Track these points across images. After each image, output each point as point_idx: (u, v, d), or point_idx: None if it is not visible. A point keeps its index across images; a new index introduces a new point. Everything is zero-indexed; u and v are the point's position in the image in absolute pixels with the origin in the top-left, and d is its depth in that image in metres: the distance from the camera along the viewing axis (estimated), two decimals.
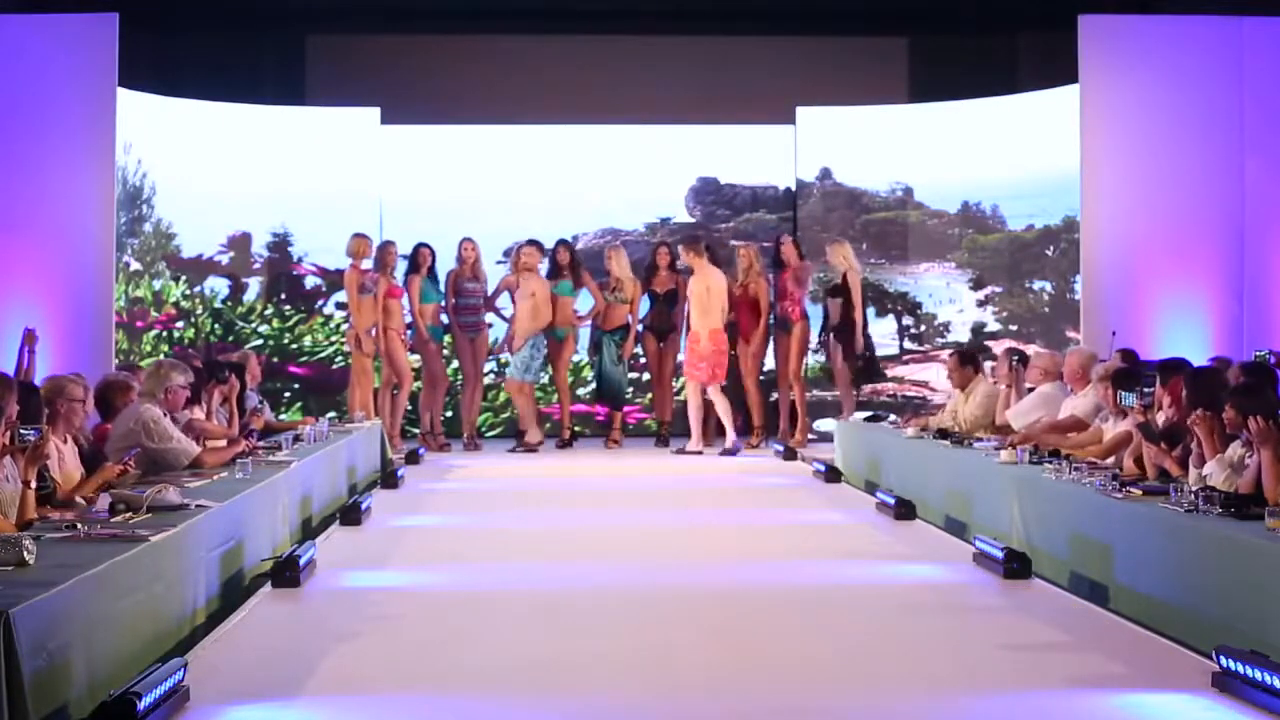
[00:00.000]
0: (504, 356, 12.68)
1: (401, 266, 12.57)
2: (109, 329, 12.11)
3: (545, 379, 12.82)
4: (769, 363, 13.16)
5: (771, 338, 12.72)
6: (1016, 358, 9.34)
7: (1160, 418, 6.82)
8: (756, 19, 14.11)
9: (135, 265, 13.11)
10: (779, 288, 12.68)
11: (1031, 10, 13.47)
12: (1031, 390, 8.94)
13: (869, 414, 11.26)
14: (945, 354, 12.48)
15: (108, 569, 4.45)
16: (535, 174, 14.03)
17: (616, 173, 14.11)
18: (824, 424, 12.75)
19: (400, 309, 12.35)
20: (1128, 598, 5.78)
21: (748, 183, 14.29)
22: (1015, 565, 6.42)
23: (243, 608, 5.83)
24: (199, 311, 13.57)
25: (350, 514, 8.18)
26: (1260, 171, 12.15)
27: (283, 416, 12.14)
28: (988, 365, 10.34)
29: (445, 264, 12.60)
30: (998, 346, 12.21)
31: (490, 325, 12.77)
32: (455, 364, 12.95)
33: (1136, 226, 12.29)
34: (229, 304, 13.67)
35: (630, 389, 13.29)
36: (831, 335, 12.37)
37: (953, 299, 13.81)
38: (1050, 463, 7.11)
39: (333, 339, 13.72)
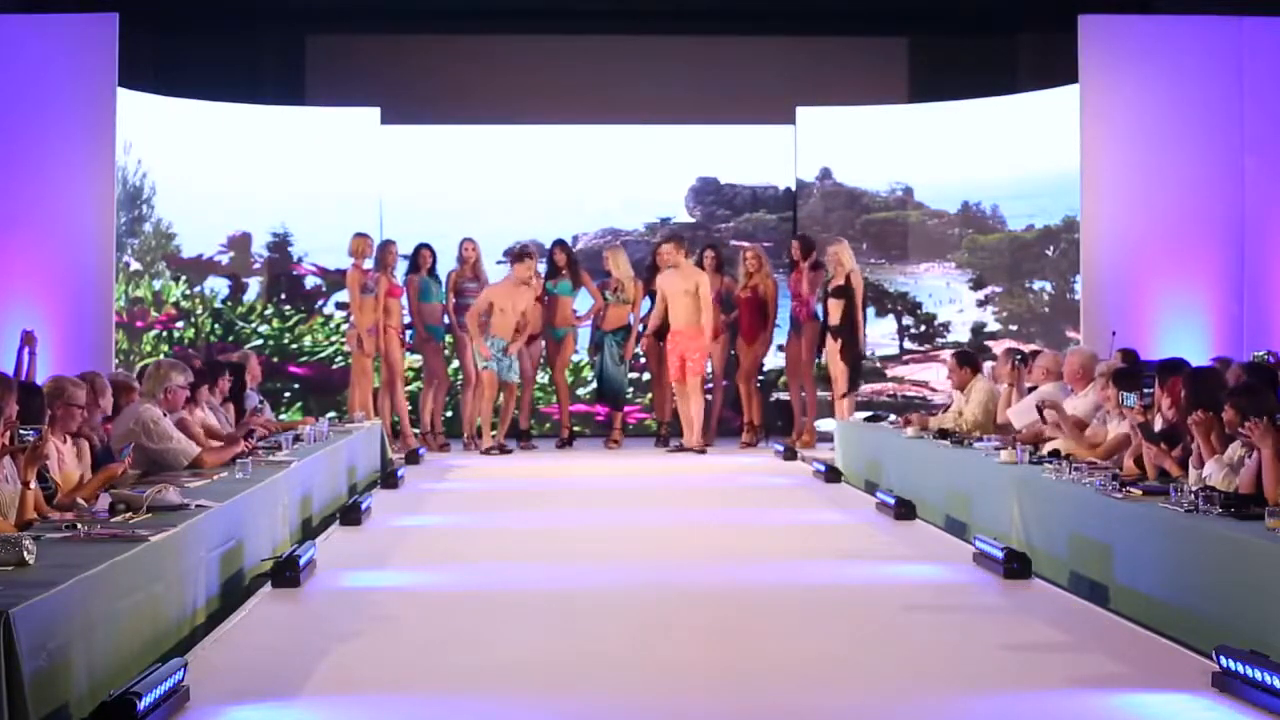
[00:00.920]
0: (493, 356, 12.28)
1: (402, 266, 12.57)
2: (109, 329, 12.12)
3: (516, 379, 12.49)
4: (769, 363, 13.18)
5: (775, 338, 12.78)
6: (1019, 357, 9.33)
7: (1159, 420, 6.82)
8: (756, 19, 14.11)
9: (135, 265, 13.12)
10: (790, 289, 12.69)
11: (1031, 10, 13.48)
12: (1033, 389, 8.93)
13: (869, 414, 11.26)
14: (945, 354, 12.49)
15: (108, 569, 4.45)
16: (535, 174, 14.04)
17: (616, 173, 14.12)
18: (824, 424, 12.75)
19: (400, 308, 12.35)
20: (1128, 598, 5.78)
21: (748, 183, 14.30)
22: (1015, 565, 6.42)
23: (243, 608, 5.82)
24: (199, 311, 13.57)
25: (350, 514, 8.17)
26: (1260, 171, 12.15)
27: (283, 416, 12.15)
28: (987, 366, 10.33)
29: (445, 264, 12.60)
30: (998, 346, 12.21)
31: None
32: (455, 364, 12.95)
33: (1136, 226, 12.29)
34: (229, 304, 13.68)
35: (630, 389, 13.29)
36: (830, 335, 12.35)
37: (953, 299, 13.81)
38: (1050, 463, 7.11)
39: (333, 339, 13.73)
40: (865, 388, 12.92)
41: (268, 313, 13.75)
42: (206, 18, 13.55)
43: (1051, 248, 13.28)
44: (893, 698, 4.66)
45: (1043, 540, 6.77)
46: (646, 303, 12.74)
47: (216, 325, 13.60)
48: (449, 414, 13.12)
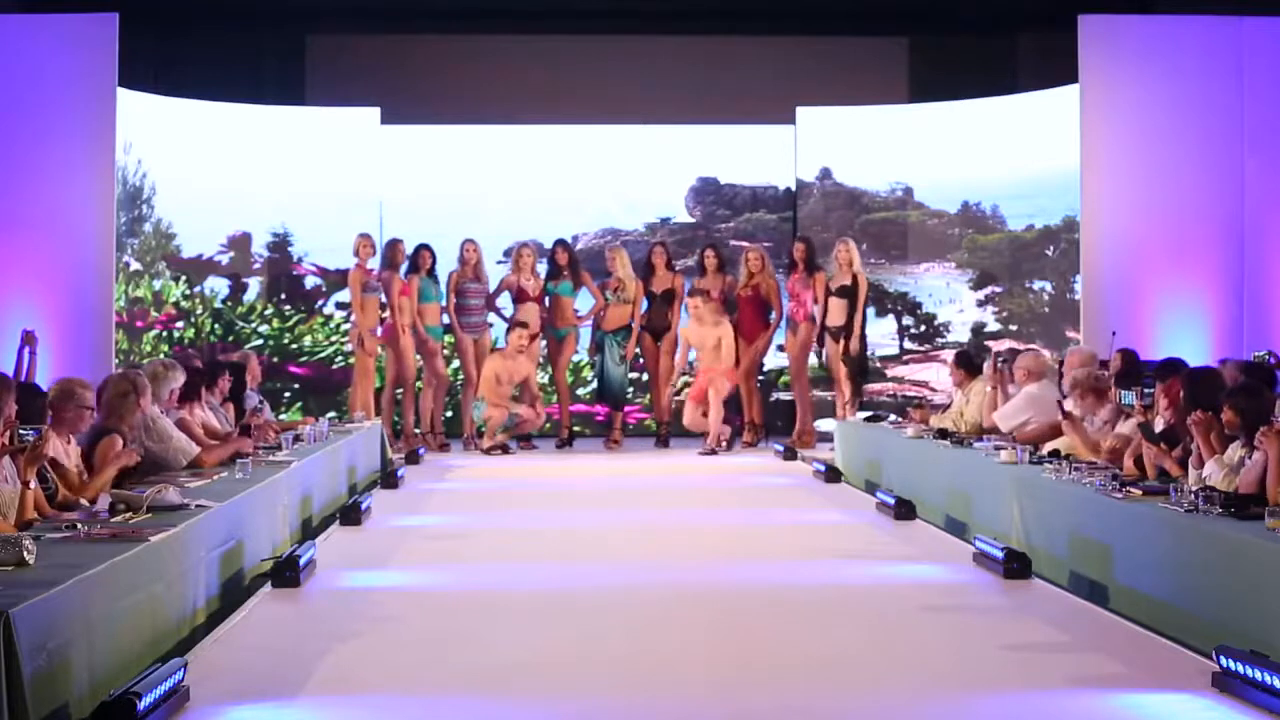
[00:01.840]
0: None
1: (403, 267, 12.57)
2: (109, 329, 12.12)
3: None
4: (769, 363, 13.17)
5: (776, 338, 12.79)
6: (1001, 359, 9.32)
7: (1159, 422, 6.82)
8: (756, 19, 14.11)
9: (135, 265, 13.12)
10: (789, 289, 12.69)
11: (1031, 10, 13.48)
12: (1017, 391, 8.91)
13: (869, 414, 11.26)
14: (945, 354, 12.50)
15: (108, 569, 4.45)
16: (535, 174, 14.04)
17: (616, 173, 14.12)
18: (824, 424, 12.75)
19: (411, 307, 12.35)
20: (1128, 598, 5.78)
21: (748, 183, 14.30)
22: (1015, 565, 6.42)
23: (243, 608, 5.82)
24: (199, 311, 13.57)
25: (350, 514, 8.17)
26: (1260, 171, 12.15)
27: (283, 416, 12.15)
28: (986, 367, 10.33)
29: (446, 264, 12.60)
30: (998, 347, 12.21)
31: (491, 325, 12.77)
32: (455, 364, 12.96)
33: (1136, 226, 12.29)
34: (229, 304, 13.68)
35: (630, 389, 13.29)
36: (829, 335, 12.36)
37: (953, 299, 13.81)
38: (1050, 463, 7.11)
39: (333, 339, 13.73)
40: (865, 388, 12.90)
41: (268, 313, 13.75)
42: (206, 18, 13.56)
43: (1051, 248, 13.28)
44: (893, 697, 4.66)
45: (1043, 540, 6.77)
46: (644, 303, 12.74)
47: (216, 325, 13.60)
48: (449, 414, 13.12)
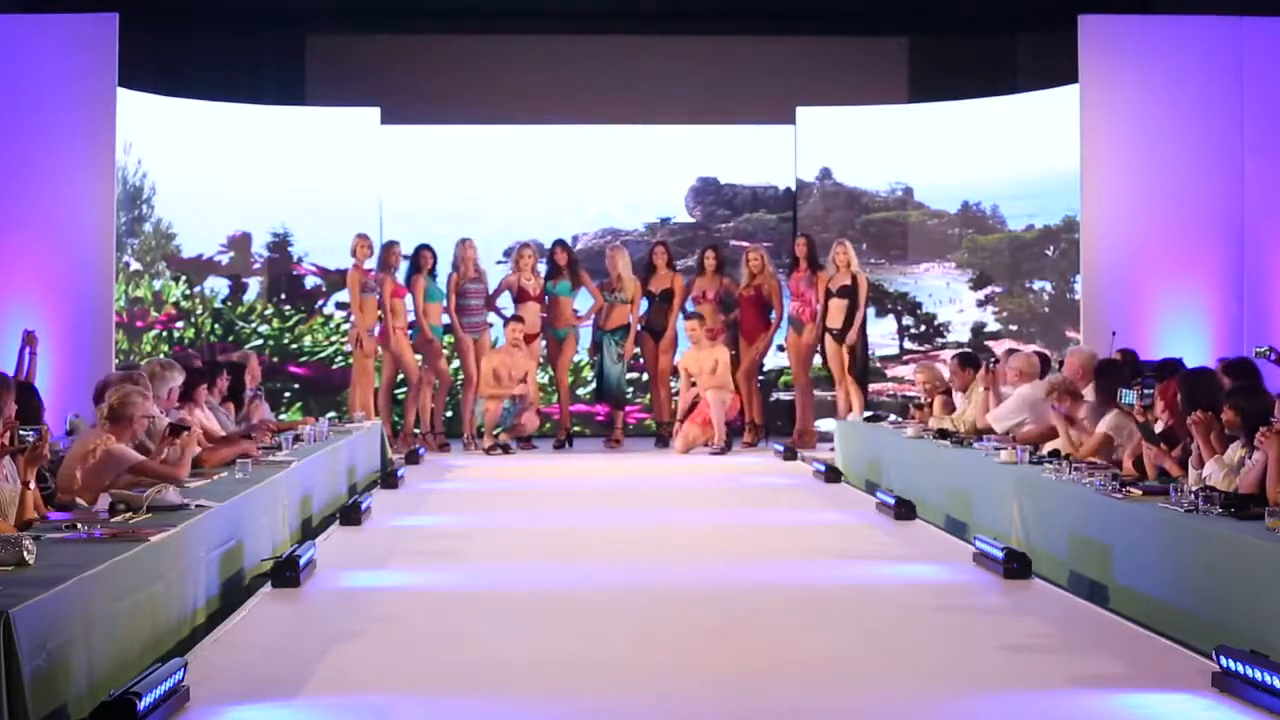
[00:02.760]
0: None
1: (403, 267, 12.56)
2: (109, 329, 12.11)
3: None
4: (769, 363, 13.16)
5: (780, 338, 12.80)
6: (992, 360, 9.31)
7: (1158, 423, 6.82)
8: (756, 19, 14.12)
9: (135, 265, 13.11)
10: (791, 289, 12.68)
11: (1031, 10, 13.48)
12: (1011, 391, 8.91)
13: (869, 414, 11.26)
14: (945, 354, 12.49)
15: (108, 569, 4.45)
16: (535, 174, 14.04)
17: (616, 173, 14.12)
18: (824, 424, 12.75)
19: (404, 309, 12.35)
20: (1128, 598, 5.78)
21: (748, 183, 14.30)
22: (1015, 565, 6.42)
23: (243, 608, 5.83)
24: (199, 311, 13.57)
25: (350, 514, 8.17)
26: (1260, 171, 12.14)
27: (283, 416, 12.15)
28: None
29: (446, 264, 12.60)
30: (999, 347, 12.21)
31: (491, 325, 12.77)
32: (455, 363, 12.95)
33: (1136, 226, 12.28)
34: (229, 304, 13.67)
35: (630, 389, 13.29)
36: (829, 337, 12.34)
37: (953, 299, 13.81)
38: (1050, 463, 7.11)
39: (333, 339, 13.73)
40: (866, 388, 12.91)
41: (268, 313, 13.75)
42: (206, 18, 13.55)
43: (1051, 248, 13.28)
44: (893, 697, 4.66)
45: (1043, 540, 6.77)
46: (644, 303, 12.74)
47: (216, 325, 13.60)
48: (449, 414, 13.12)
